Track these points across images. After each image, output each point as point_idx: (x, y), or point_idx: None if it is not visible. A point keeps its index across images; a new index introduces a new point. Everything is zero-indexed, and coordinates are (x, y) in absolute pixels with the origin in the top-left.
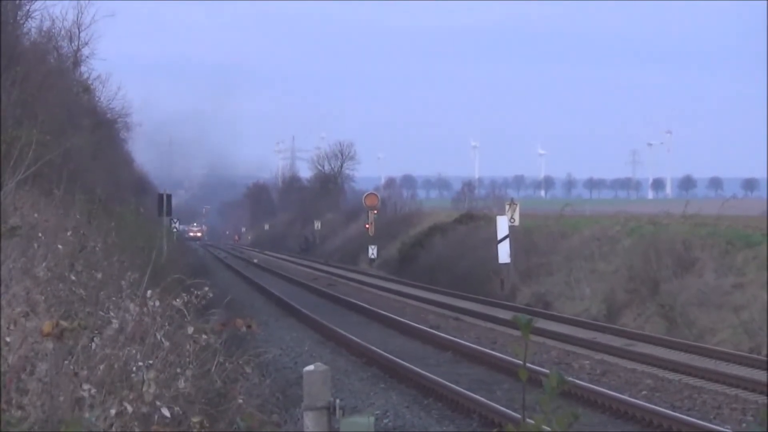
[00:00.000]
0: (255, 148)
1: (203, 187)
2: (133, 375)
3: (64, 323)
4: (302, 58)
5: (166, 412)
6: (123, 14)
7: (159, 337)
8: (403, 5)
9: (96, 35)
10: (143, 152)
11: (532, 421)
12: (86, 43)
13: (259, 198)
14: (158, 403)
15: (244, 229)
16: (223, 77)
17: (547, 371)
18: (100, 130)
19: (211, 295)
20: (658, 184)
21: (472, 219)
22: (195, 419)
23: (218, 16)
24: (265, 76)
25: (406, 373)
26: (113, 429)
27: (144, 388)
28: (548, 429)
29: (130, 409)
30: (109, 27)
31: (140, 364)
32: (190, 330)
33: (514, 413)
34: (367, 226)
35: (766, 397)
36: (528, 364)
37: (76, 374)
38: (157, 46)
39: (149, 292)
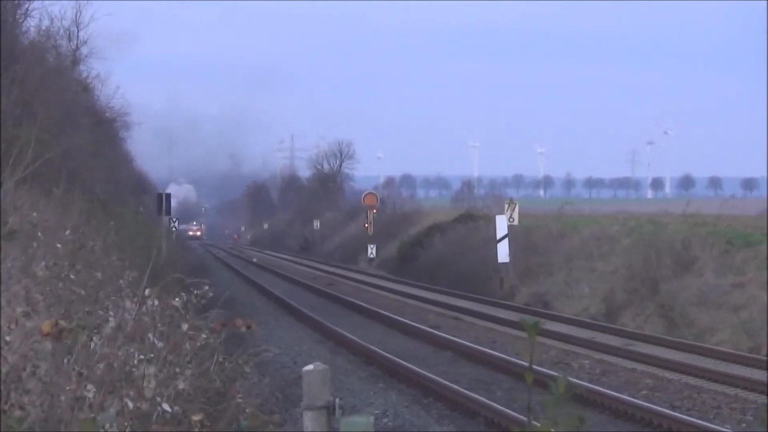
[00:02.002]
0: (256, 147)
1: (210, 185)
2: (134, 369)
3: (63, 323)
4: (301, 57)
5: (167, 407)
6: (120, 15)
7: (153, 337)
8: (403, 5)
9: (95, 34)
10: (149, 152)
11: (537, 424)
12: (85, 42)
13: (258, 197)
14: (158, 399)
15: (243, 229)
16: (225, 78)
17: (549, 371)
18: (99, 129)
19: (211, 294)
20: (657, 184)
21: (471, 218)
22: (196, 417)
23: (212, 15)
24: (264, 77)
25: (406, 373)
26: (114, 427)
27: (144, 384)
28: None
29: (131, 405)
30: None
31: (141, 357)
32: (185, 327)
33: (514, 413)
34: (366, 225)
35: (765, 397)
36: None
37: (76, 374)
38: (161, 47)
39: (148, 291)
